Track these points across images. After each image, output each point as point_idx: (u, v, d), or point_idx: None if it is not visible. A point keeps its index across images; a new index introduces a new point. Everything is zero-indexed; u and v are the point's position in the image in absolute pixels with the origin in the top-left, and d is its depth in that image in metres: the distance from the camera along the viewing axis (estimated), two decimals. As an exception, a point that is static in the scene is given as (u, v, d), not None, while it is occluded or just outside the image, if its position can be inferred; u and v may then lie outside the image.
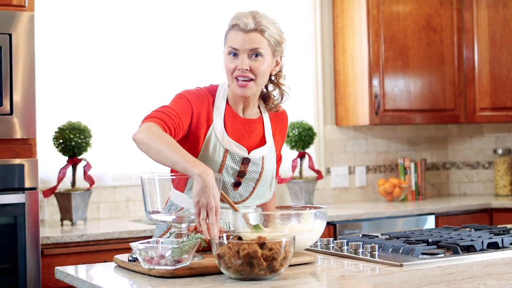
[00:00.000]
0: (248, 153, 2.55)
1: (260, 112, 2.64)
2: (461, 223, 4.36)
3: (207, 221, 2.12)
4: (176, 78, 4.45)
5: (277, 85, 2.62)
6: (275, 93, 2.64)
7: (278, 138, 2.68)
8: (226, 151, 2.51)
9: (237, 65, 2.47)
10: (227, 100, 2.57)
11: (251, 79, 2.48)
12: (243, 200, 2.57)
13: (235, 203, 2.52)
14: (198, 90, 2.55)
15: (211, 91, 2.57)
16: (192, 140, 2.50)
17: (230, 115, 2.56)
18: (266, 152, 2.60)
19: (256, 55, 2.47)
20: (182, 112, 2.44)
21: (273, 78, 2.62)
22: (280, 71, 2.61)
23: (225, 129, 2.53)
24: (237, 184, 2.55)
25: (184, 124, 2.44)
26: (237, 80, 2.48)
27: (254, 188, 2.58)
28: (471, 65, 5.21)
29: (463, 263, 2.18)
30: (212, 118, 2.52)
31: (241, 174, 2.54)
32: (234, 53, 2.49)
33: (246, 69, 2.46)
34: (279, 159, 2.75)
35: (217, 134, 2.51)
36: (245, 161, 2.53)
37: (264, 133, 2.62)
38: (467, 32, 5.22)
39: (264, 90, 2.64)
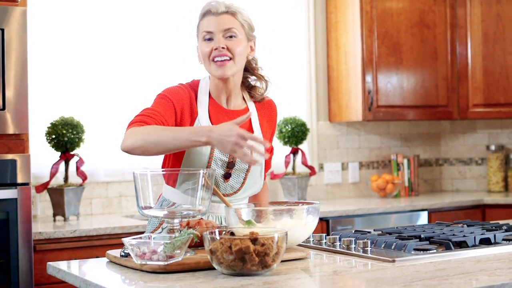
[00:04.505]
0: None
1: (245, 102, 2.65)
2: (454, 219, 4.37)
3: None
4: (167, 73, 4.45)
5: (259, 77, 2.65)
6: (258, 84, 2.67)
7: (266, 127, 2.69)
8: (213, 142, 2.51)
9: (213, 46, 2.49)
10: (210, 94, 2.58)
11: (230, 58, 2.49)
12: (235, 192, 2.57)
13: (228, 195, 2.53)
14: (179, 87, 2.57)
15: (193, 86, 2.59)
16: None
17: (214, 107, 2.57)
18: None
19: (231, 36, 2.50)
20: (164, 110, 2.46)
21: (251, 71, 2.65)
22: (256, 64, 2.64)
23: (210, 121, 2.53)
24: (227, 176, 2.55)
25: (168, 121, 2.45)
26: (215, 61, 2.49)
27: (245, 179, 2.59)
28: (464, 62, 5.21)
29: (455, 259, 2.18)
30: (197, 112, 2.53)
31: (230, 165, 2.54)
32: (209, 38, 2.51)
33: (223, 47, 2.48)
34: (270, 151, 2.76)
35: None
36: None
37: (250, 123, 2.62)
38: (460, 28, 5.22)
39: (247, 83, 2.66)
